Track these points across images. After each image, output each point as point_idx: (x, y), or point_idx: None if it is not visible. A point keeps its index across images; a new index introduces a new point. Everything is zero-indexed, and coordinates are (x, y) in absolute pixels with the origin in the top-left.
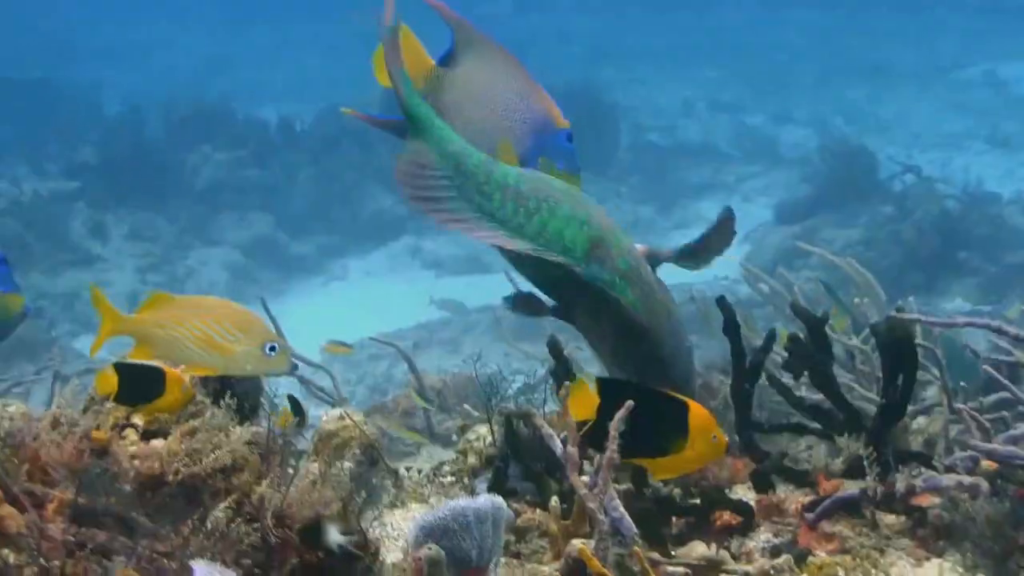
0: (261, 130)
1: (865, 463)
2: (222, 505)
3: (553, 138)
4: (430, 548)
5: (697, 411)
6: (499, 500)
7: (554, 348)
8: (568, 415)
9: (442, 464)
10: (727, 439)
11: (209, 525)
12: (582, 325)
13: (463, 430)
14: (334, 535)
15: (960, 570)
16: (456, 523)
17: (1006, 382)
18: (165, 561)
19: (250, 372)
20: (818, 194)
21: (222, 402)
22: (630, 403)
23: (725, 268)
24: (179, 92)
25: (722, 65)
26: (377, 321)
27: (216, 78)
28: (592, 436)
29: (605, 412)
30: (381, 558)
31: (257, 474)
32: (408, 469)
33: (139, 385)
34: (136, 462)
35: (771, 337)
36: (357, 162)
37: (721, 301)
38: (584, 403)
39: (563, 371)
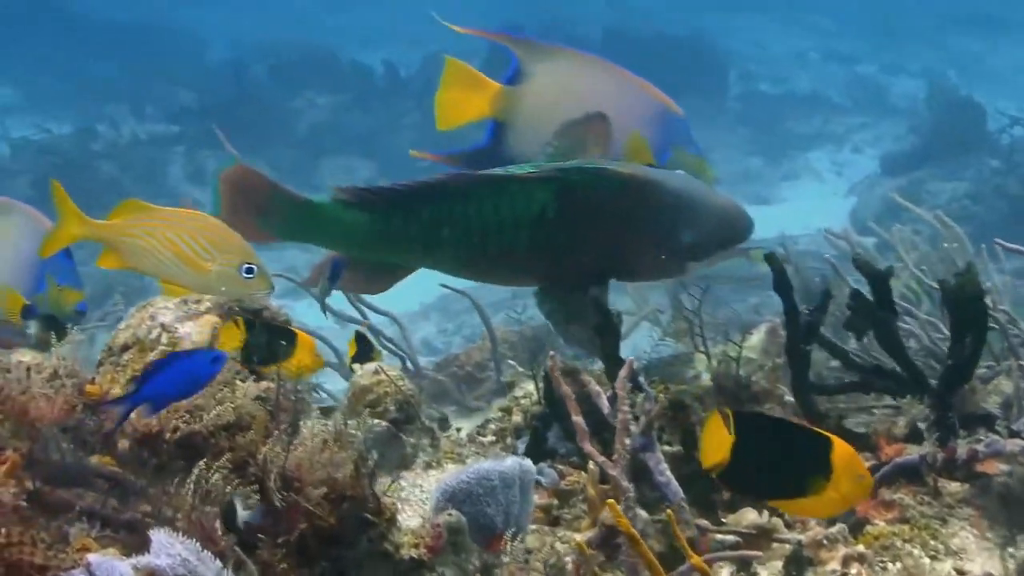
0: (365, 75)
1: (922, 427)
2: (198, 465)
3: (677, 127)
4: (451, 514)
5: (841, 448)
6: (528, 463)
7: (596, 302)
8: (562, 383)
9: (487, 422)
10: (873, 479)
11: (192, 486)
12: (616, 260)
13: (510, 386)
14: (241, 513)
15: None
16: (481, 487)
17: None
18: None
19: (227, 295)
20: (925, 146)
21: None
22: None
23: (828, 221)
24: (284, 36)
25: (837, 13)
26: None
27: (323, 22)
28: (729, 476)
29: (742, 450)
30: (398, 524)
31: (265, 433)
32: (447, 427)
33: (267, 344)
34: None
35: (827, 295)
36: None
37: (770, 257)
38: (718, 441)
39: (607, 326)
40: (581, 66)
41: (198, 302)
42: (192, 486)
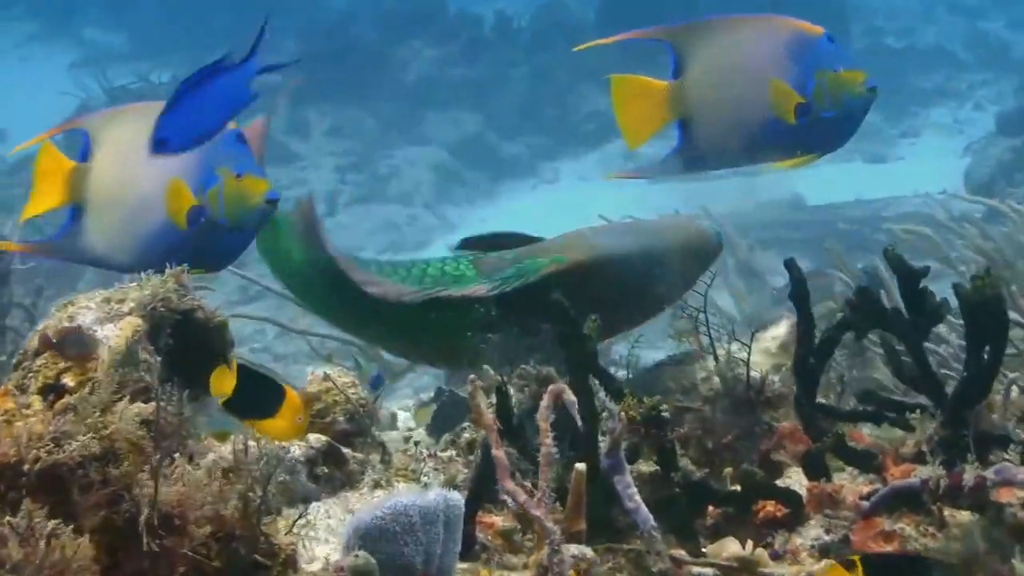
0: (473, 26)
1: (924, 449)
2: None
3: (816, 48)
4: (357, 555)
5: None
6: (455, 497)
7: (556, 305)
8: (482, 411)
9: (461, 431)
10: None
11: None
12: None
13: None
14: None
15: None
16: (397, 524)
17: None
18: None
19: None
20: None
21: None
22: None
23: (943, 181)
24: None
25: None
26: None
27: None
28: None
29: None
30: (298, 567)
31: (144, 463)
32: (408, 439)
33: (255, 397)
34: None
35: (851, 304)
36: (571, 62)
37: (789, 263)
38: None
39: (574, 334)
40: (724, 31)
41: (121, 301)
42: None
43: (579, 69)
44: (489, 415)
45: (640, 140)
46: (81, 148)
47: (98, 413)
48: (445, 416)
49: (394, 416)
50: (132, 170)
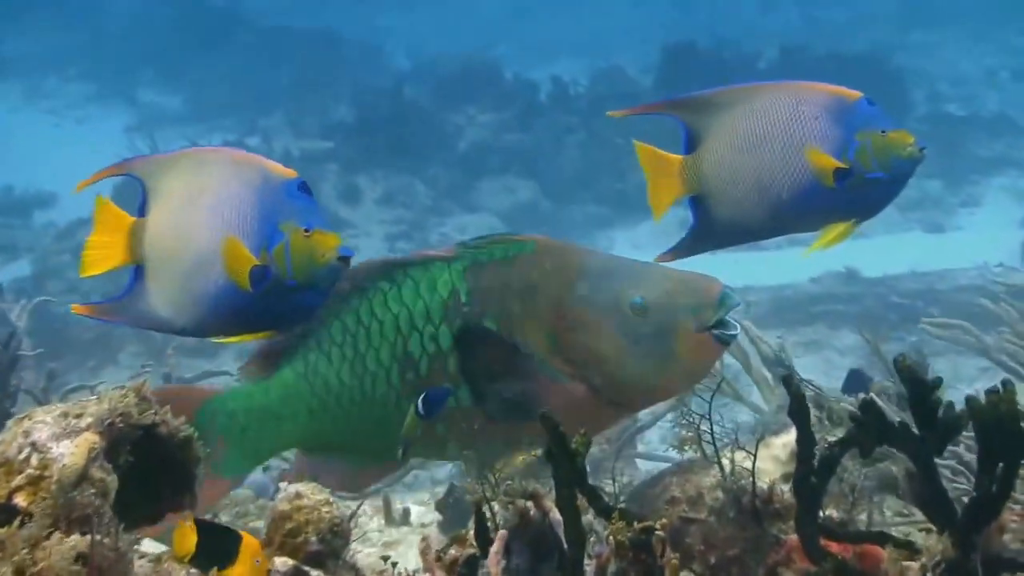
0: (529, 92)
1: (930, 575)
2: None
3: (857, 110)
4: None
5: None
6: None
7: (545, 421)
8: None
9: (447, 548)
10: None
11: None
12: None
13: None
14: None
15: None
16: None
17: None
18: None
19: None
20: None
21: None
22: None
23: (1002, 251)
24: (450, 50)
25: None
26: None
27: (506, 32)
28: None
29: None
30: None
31: None
32: (386, 559)
33: (215, 548)
34: None
35: (861, 415)
36: (627, 129)
37: (787, 380)
38: None
39: (562, 450)
40: (741, 101)
41: (79, 416)
42: None
43: (636, 133)
44: (439, 569)
45: (662, 211)
46: (139, 201)
47: (26, 550)
48: (461, 510)
49: (407, 512)
50: (188, 226)
